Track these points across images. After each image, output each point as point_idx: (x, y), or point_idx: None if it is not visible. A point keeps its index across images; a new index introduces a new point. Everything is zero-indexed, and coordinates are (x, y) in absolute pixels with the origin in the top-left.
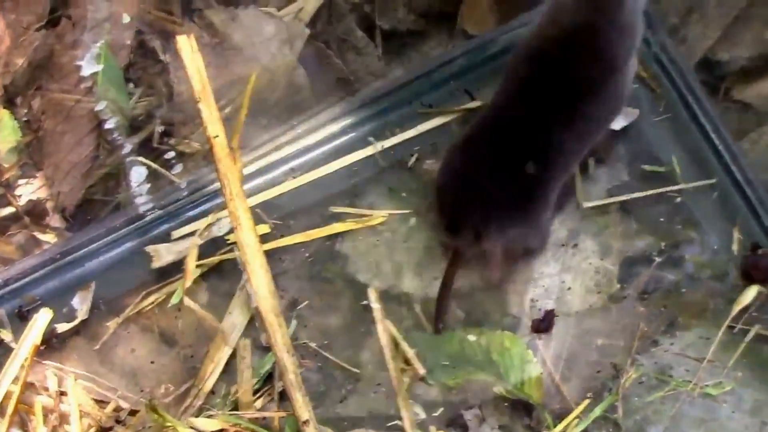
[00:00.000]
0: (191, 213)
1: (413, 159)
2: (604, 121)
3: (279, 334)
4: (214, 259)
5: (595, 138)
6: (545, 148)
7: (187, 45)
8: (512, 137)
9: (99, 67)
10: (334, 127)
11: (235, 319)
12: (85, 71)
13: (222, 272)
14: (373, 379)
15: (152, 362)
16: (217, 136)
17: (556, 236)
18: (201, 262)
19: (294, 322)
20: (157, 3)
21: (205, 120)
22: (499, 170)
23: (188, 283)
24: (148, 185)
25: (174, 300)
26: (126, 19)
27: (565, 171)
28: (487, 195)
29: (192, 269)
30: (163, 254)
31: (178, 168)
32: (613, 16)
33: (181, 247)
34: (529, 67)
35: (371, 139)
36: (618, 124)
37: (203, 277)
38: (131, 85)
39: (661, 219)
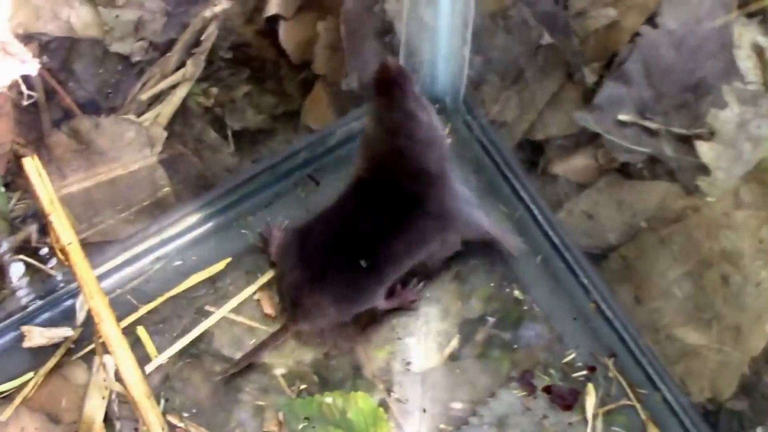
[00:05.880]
0: (68, 303)
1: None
2: (433, 231)
3: (152, 414)
4: (89, 347)
5: (425, 247)
6: (377, 252)
7: (32, 167)
8: (349, 234)
9: None
10: (193, 218)
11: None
12: None
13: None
14: None
15: None
16: (70, 243)
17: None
18: None
19: (162, 401)
20: (27, 115)
21: (57, 231)
22: (334, 261)
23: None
24: (27, 279)
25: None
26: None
27: (395, 272)
28: (322, 280)
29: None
30: (35, 336)
31: (53, 262)
32: (412, 135)
33: (53, 333)
34: (359, 193)
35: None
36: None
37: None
38: (7, 189)
39: (492, 284)
